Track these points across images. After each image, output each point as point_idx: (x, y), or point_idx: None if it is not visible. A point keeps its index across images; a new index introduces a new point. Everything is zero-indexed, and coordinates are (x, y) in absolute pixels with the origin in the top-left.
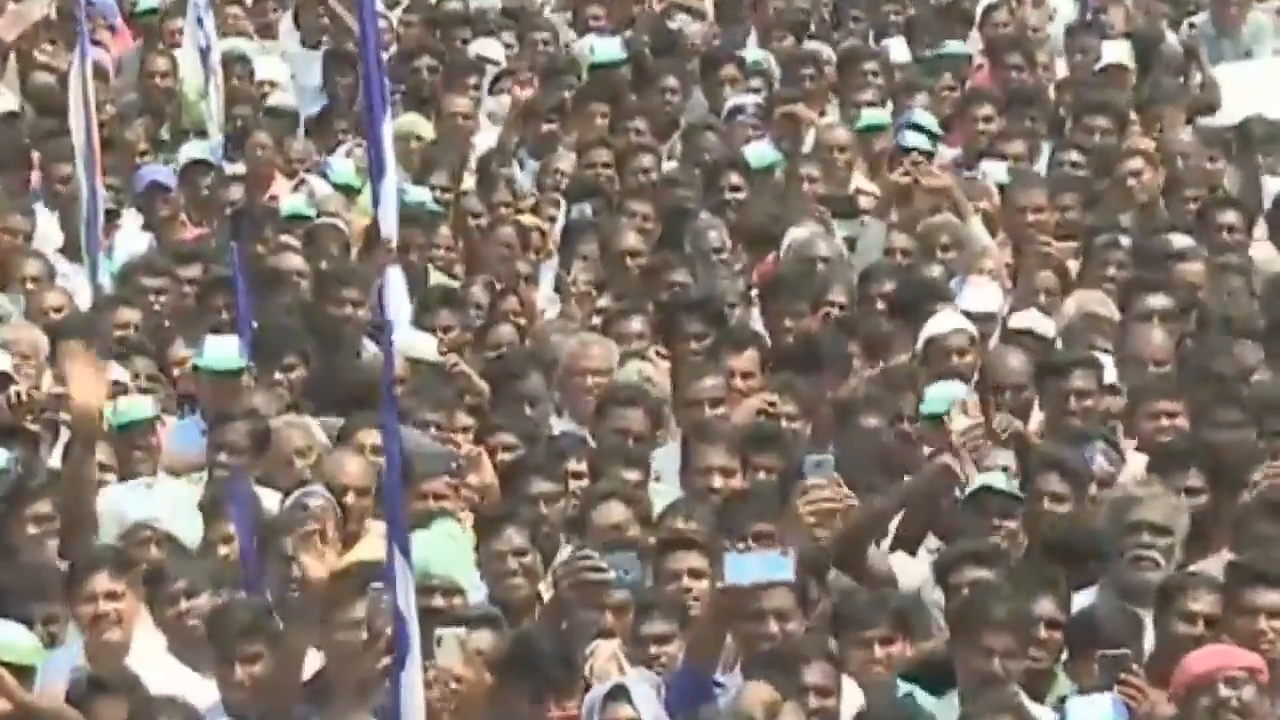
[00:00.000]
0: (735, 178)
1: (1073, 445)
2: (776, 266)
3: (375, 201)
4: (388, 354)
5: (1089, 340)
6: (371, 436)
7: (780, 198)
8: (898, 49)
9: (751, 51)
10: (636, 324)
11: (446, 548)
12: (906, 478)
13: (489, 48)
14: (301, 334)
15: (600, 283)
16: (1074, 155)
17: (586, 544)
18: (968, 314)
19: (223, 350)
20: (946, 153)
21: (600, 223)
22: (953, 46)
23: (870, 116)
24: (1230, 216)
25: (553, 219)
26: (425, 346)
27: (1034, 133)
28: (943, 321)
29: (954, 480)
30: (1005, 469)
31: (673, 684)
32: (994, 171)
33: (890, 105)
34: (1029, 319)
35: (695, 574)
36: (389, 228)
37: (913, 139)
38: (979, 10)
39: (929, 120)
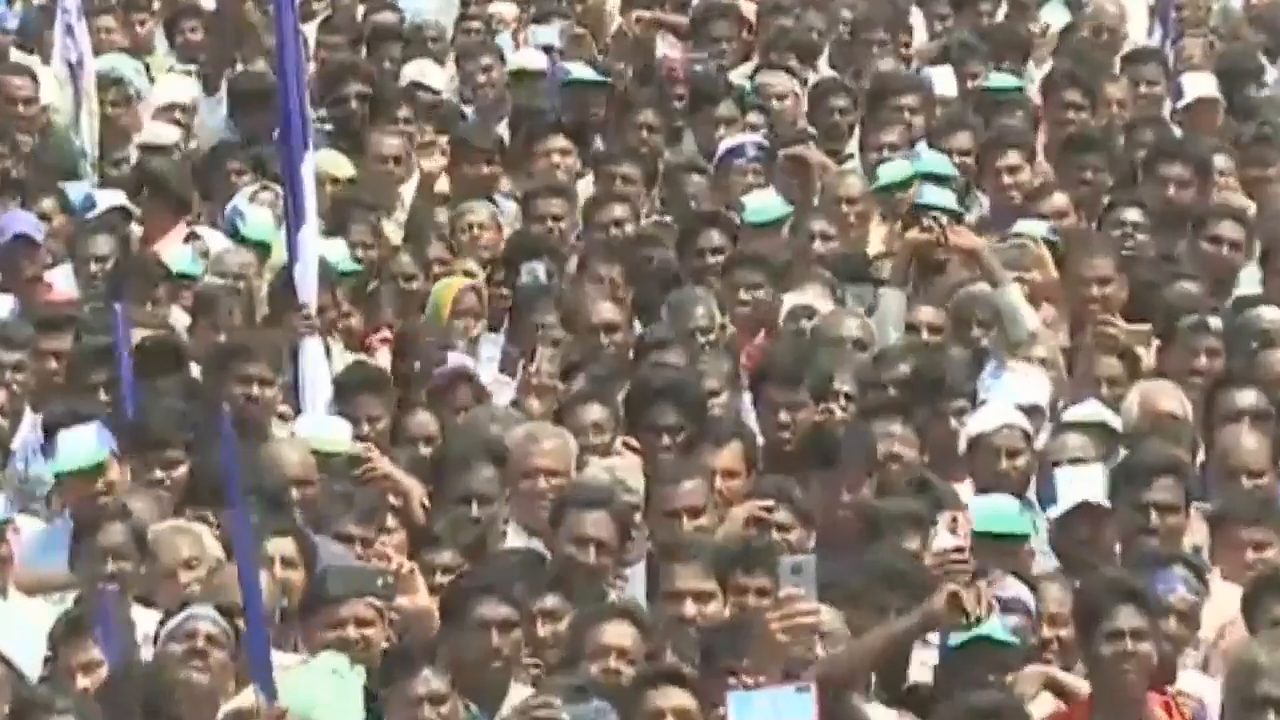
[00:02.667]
0: (717, 236)
1: (1149, 570)
2: (771, 344)
3: (291, 256)
4: (227, 444)
5: (1163, 444)
6: (281, 546)
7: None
8: (942, 80)
9: (761, 76)
10: (597, 412)
11: (330, 689)
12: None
13: (427, 72)
14: (190, 419)
15: (566, 369)
16: (1133, 214)
17: (577, 672)
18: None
19: (78, 445)
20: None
21: (556, 288)
22: (998, 80)
23: (889, 173)
24: None
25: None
26: (339, 437)
27: (1093, 184)
28: (991, 416)
29: (956, 618)
30: (1018, 604)
31: None
32: (1030, 233)
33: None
34: (1090, 413)
35: (682, 715)
36: (307, 288)
37: (932, 195)
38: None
39: (944, 165)
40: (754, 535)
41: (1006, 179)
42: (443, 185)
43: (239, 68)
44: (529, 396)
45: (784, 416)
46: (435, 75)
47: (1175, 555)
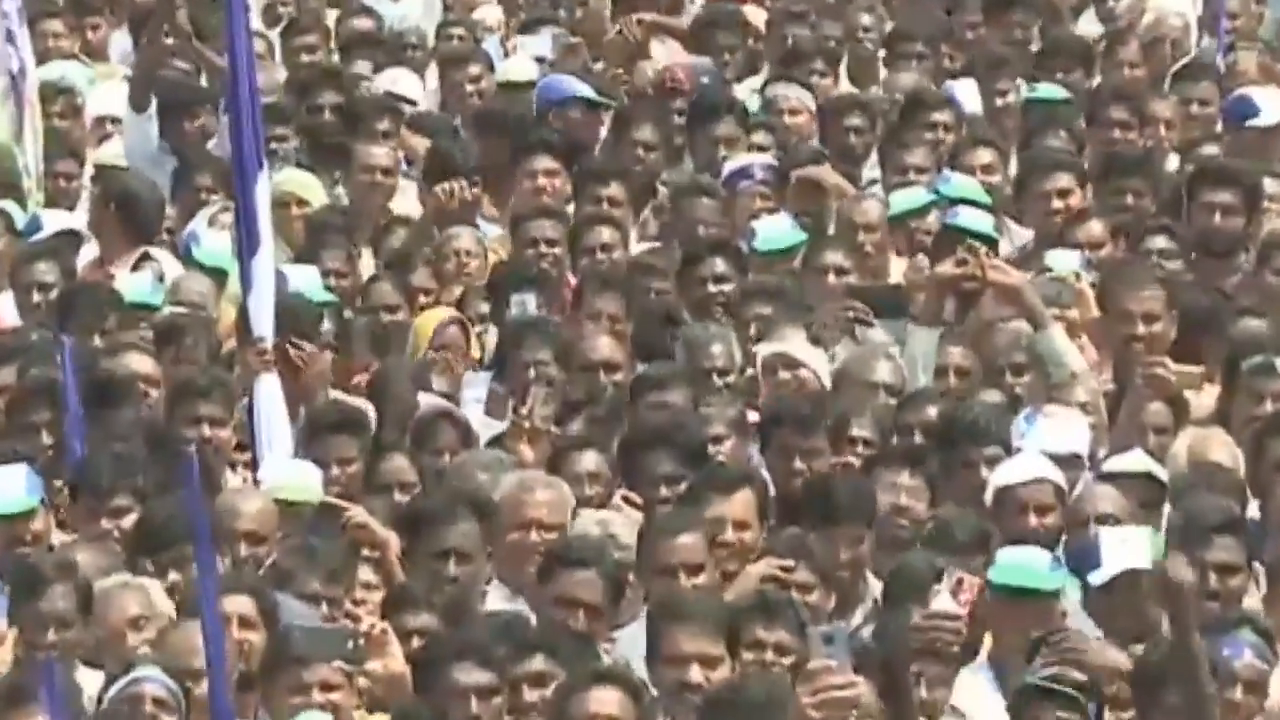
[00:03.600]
0: (721, 264)
1: (1213, 637)
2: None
3: (245, 286)
4: (192, 492)
5: (1219, 499)
6: (238, 604)
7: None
8: (967, 94)
9: (772, 89)
10: (593, 460)
11: None
12: None
13: (401, 81)
14: (139, 463)
15: (560, 413)
16: (1160, 241)
17: None
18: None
19: (3, 489)
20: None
21: (548, 322)
22: (1046, 91)
23: (903, 201)
24: None
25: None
26: (306, 485)
27: (1135, 210)
28: (1022, 466)
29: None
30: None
31: None
32: (1060, 263)
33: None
34: (1133, 463)
35: None
36: (262, 321)
37: (969, 219)
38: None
39: (974, 190)
40: (770, 591)
41: (1055, 203)
42: (409, 206)
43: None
44: (520, 441)
45: (798, 464)
46: (411, 85)
47: (1241, 619)
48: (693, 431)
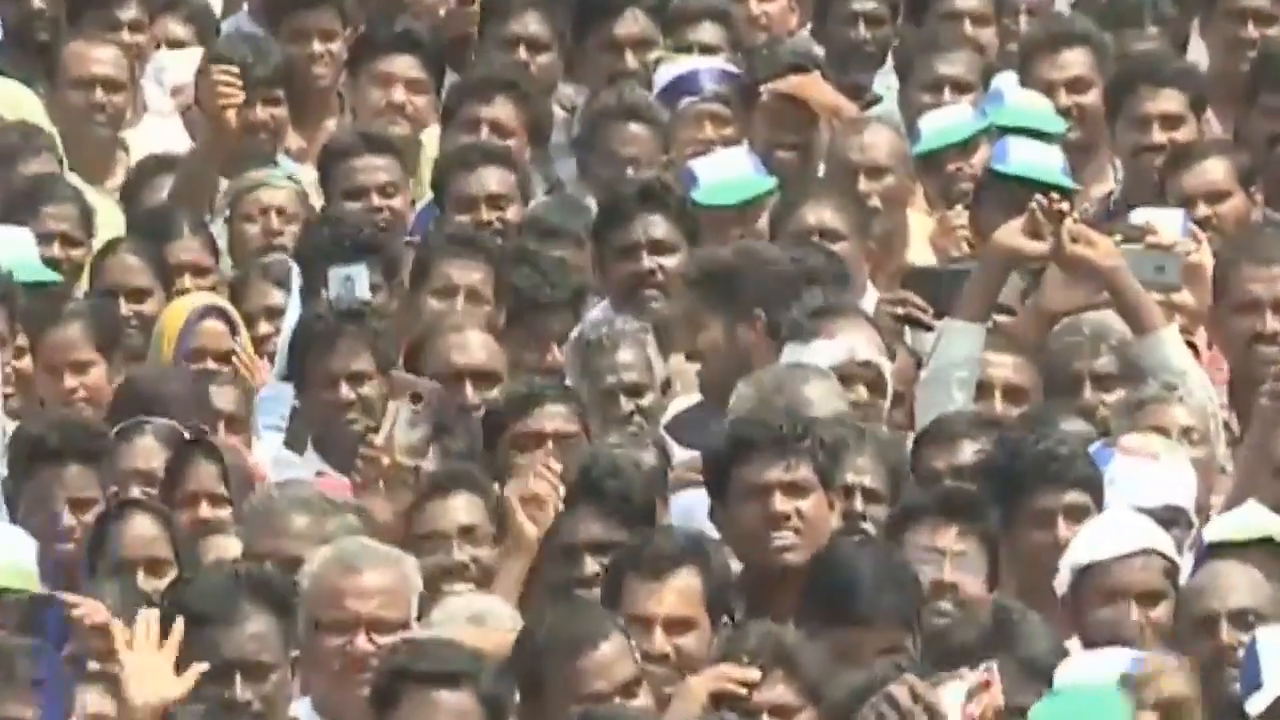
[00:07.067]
0: (660, 225)
1: None
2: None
3: None
4: None
5: None
6: None
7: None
8: None
9: None
10: (466, 510)
11: None
12: None
13: None
14: None
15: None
16: None
17: None
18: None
19: None
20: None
21: (388, 307)
22: None
23: (941, 128)
24: None
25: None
26: (19, 566)
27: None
28: (1112, 532)
29: None
30: None
31: None
32: (1166, 227)
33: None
34: (1253, 524)
35: None
36: None
37: (1028, 157)
38: None
39: (1044, 113)
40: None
41: (1157, 136)
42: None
43: None
44: (370, 488)
45: (783, 530)
46: None
47: None
48: (632, 477)
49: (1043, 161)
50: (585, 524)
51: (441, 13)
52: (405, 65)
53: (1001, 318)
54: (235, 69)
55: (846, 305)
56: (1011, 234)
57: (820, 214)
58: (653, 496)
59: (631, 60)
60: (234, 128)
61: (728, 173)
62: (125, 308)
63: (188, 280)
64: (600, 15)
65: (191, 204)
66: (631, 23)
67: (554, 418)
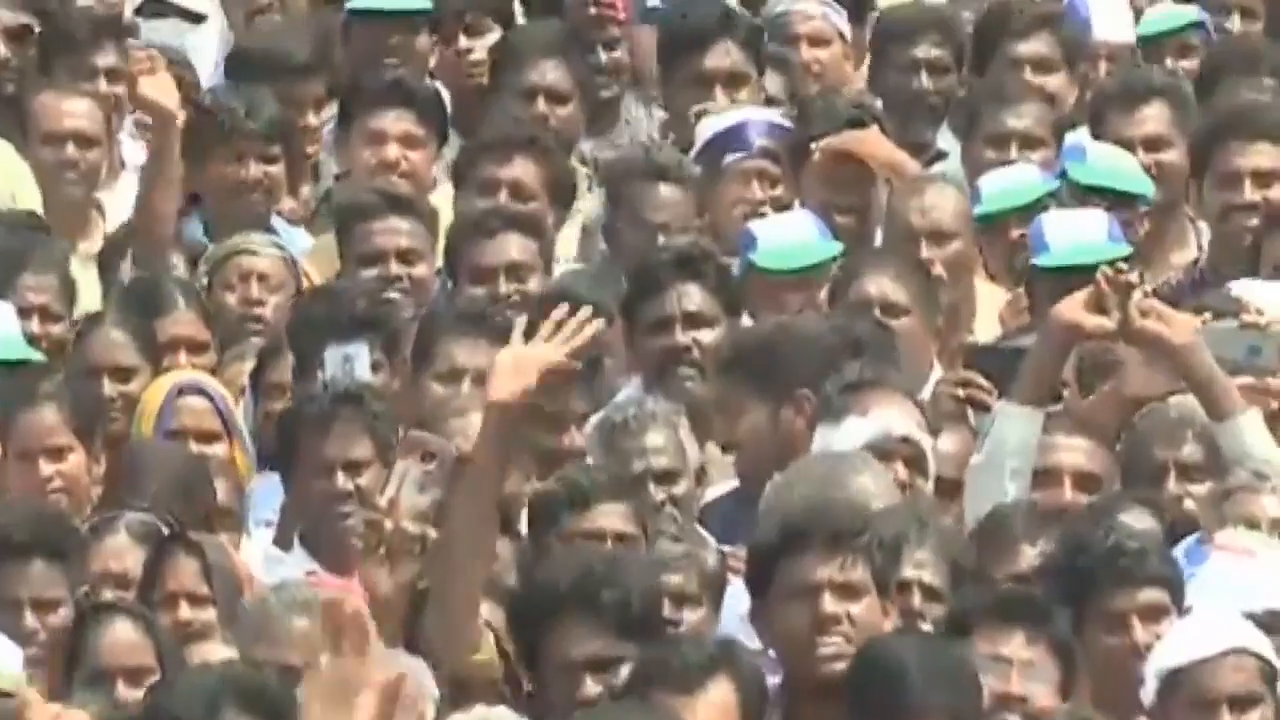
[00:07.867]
0: (697, 295)
1: None
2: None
3: None
4: None
5: None
6: None
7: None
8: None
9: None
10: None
11: None
12: None
13: None
14: None
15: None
16: None
17: None
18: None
19: None
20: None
21: (390, 388)
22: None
23: (1005, 189)
24: None
25: None
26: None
27: None
28: (1203, 633)
29: None
30: None
31: None
32: (1257, 300)
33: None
34: None
35: None
36: None
37: (1064, 237)
38: None
39: (1127, 172)
40: None
41: (1249, 193)
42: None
43: None
44: (374, 559)
45: (832, 635)
46: None
47: None
48: (630, 584)
49: (1088, 238)
50: (581, 640)
51: (431, 62)
52: (397, 119)
53: (1069, 398)
54: (153, 51)
55: (881, 378)
56: (1074, 308)
57: (881, 284)
58: (656, 605)
59: (722, 97)
60: (178, 117)
61: (790, 236)
62: (109, 388)
63: (181, 357)
64: (689, 47)
65: (150, 236)
66: (723, 55)
67: (610, 515)
